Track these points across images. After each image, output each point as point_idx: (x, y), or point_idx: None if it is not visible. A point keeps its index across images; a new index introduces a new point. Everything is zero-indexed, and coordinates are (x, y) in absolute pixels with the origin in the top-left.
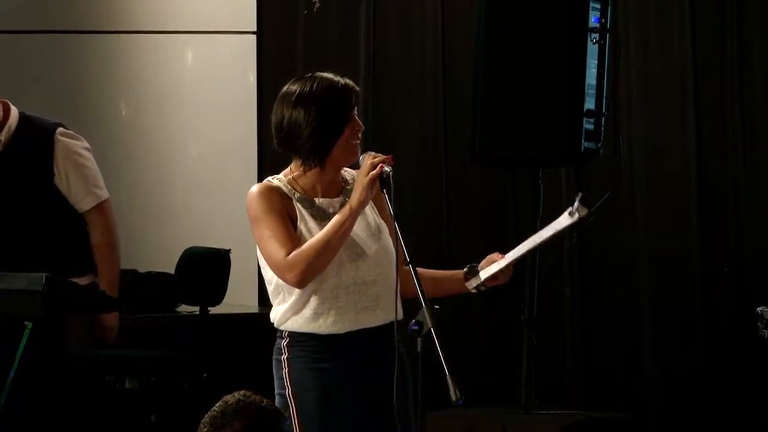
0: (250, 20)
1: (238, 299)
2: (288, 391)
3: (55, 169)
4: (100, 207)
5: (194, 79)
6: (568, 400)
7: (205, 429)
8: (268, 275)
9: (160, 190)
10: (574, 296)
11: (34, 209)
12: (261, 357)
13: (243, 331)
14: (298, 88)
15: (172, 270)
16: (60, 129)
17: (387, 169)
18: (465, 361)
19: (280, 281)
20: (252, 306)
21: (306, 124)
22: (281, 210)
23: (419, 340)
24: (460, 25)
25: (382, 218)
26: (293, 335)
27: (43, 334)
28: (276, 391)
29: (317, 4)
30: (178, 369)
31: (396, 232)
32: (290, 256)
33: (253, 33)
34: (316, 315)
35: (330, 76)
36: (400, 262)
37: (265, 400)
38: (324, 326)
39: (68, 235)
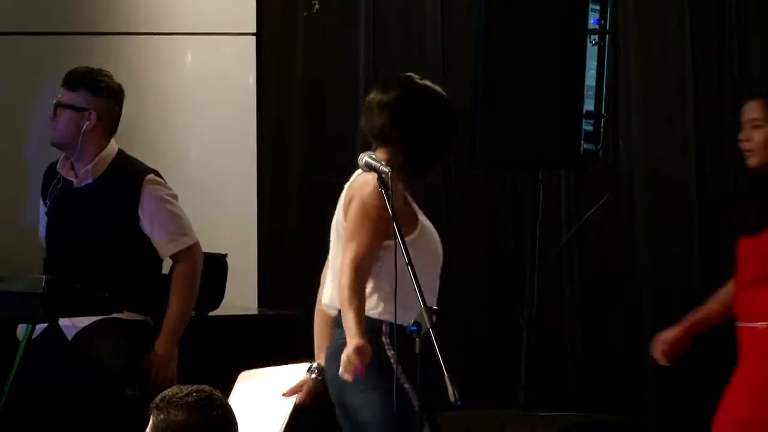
0: (249, 22)
1: (237, 300)
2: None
3: (140, 215)
4: (185, 252)
5: (193, 80)
6: (567, 401)
7: (157, 400)
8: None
9: None
10: (574, 297)
11: (105, 246)
12: (261, 358)
13: (243, 332)
14: (440, 94)
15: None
16: (150, 176)
17: (386, 169)
18: (464, 362)
19: (376, 268)
20: (252, 307)
21: (440, 130)
22: (384, 225)
23: (417, 341)
24: (460, 25)
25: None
26: (387, 325)
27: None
28: (370, 392)
29: (317, 6)
30: (179, 374)
31: (395, 233)
32: (358, 274)
33: (253, 34)
34: (409, 307)
35: None
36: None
37: (226, 404)
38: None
39: (130, 275)
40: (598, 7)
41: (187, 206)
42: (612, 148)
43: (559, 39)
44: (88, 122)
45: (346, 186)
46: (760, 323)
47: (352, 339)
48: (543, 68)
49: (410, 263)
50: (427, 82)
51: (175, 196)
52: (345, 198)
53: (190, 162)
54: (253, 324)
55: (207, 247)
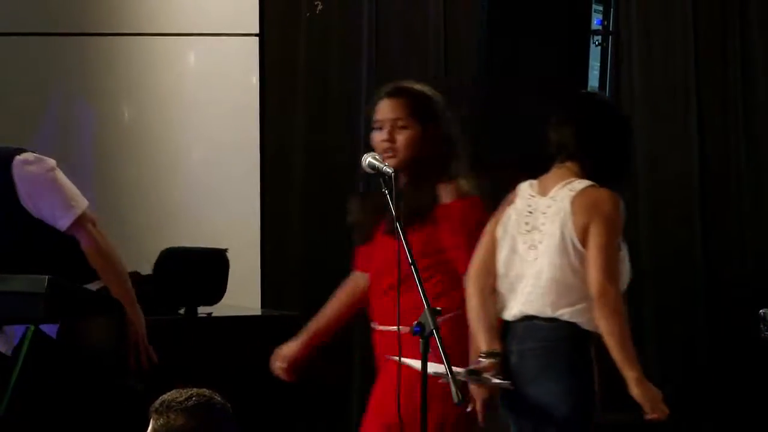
0: (252, 22)
1: (240, 301)
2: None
3: (21, 198)
4: (77, 223)
5: (196, 81)
6: None
7: (156, 404)
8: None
9: (162, 192)
10: None
11: (22, 234)
12: (264, 359)
13: (246, 333)
14: (619, 110)
15: (191, 271)
16: (16, 158)
17: (389, 170)
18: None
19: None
20: (255, 308)
21: (622, 145)
22: None
23: (421, 341)
24: (463, 26)
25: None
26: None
27: (60, 336)
28: (567, 395)
29: (319, 6)
30: (182, 376)
31: (398, 233)
32: (618, 291)
33: (256, 35)
34: None
35: None
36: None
37: (225, 407)
38: None
39: (63, 248)
40: (601, 8)
41: (190, 206)
42: None
43: (562, 40)
44: None
45: (569, 199)
46: (404, 327)
47: (643, 382)
48: (546, 69)
49: (413, 263)
50: (608, 99)
51: (51, 168)
52: (573, 213)
53: (194, 162)
54: (256, 325)
55: (210, 245)
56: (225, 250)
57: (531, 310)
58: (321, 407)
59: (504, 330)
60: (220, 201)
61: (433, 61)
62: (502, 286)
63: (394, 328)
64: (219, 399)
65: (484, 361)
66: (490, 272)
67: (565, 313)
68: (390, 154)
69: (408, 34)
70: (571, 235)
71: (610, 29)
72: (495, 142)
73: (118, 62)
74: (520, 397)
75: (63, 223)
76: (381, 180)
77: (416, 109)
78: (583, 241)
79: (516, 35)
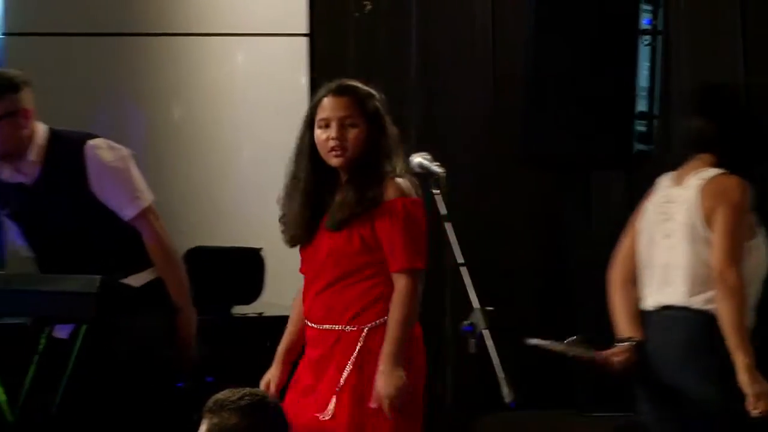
0: (301, 22)
1: (290, 301)
2: None
3: (90, 183)
4: (142, 215)
5: (245, 81)
6: (623, 402)
7: (210, 404)
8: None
9: (211, 192)
10: None
11: (82, 220)
12: None
13: None
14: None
15: (225, 270)
16: (89, 142)
17: (440, 170)
18: (518, 363)
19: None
20: None
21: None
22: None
23: (472, 341)
24: (511, 24)
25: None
26: None
27: (110, 332)
28: (717, 384)
29: (368, 5)
30: (233, 374)
31: (449, 234)
32: (738, 275)
33: (305, 35)
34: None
35: None
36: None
37: (278, 406)
38: None
39: (121, 236)
40: (650, 8)
41: (240, 205)
42: (666, 149)
43: (611, 40)
44: (24, 120)
45: (698, 188)
46: (348, 327)
47: (753, 371)
48: (595, 69)
49: (463, 263)
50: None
51: (122, 158)
52: (701, 200)
53: (243, 162)
54: None
55: (260, 245)
56: (259, 249)
57: (667, 300)
58: None
59: (642, 319)
60: (269, 200)
61: (480, 58)
62: (642, 275)
63: (333, 326)
64: (271, 399)
65: (618, 347)
66: (631, 263)
67: (699, 301)
68: (338, 153)
69: (456, 33)
70: (700, 221)
71: (659, 29)
72: (542, 139)
73: (168, 62)
74: (659, 385)
75: (128, 213)
76: (431, 180)
77: (363, 107)
78: (711, 226)
79: (564, 34)
